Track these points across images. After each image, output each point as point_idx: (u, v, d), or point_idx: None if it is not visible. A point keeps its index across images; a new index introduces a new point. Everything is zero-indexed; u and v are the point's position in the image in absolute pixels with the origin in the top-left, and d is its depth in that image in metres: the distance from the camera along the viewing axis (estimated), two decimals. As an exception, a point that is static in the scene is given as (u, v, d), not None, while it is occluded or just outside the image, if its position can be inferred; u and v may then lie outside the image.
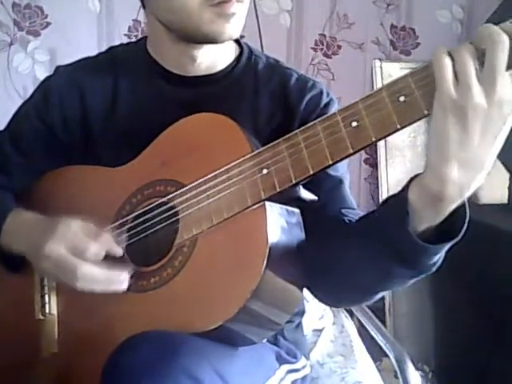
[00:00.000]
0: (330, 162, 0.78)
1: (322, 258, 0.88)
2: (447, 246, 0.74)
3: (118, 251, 0.89)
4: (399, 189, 0.77)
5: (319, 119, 0.79)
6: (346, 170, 1.01)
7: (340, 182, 0.98)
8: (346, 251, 0.85)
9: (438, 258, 0.76)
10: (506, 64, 0.65)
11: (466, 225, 0.73)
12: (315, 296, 0.95)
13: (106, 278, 0.86)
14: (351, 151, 0.76)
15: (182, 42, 0.96)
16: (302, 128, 0.81)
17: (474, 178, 0.69)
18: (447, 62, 0.66)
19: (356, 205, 1.00)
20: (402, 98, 0.72)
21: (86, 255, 0.85)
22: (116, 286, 0.86)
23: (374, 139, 0.75)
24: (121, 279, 0.86)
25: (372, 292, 0.87)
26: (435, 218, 0.73)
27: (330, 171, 0.95)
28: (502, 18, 0.68)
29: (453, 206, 0.72)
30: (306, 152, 0.79)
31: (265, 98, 1.01)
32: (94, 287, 0.86)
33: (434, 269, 0.77)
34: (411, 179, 0.75)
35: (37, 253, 0.88)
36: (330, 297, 0.95)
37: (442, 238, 0.73)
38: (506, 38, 0.64)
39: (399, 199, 0.75)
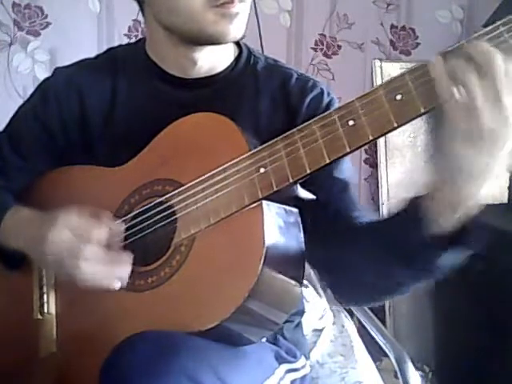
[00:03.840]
0: (327, 161, 0.78)
1: (337, 262, 0.91)
2: (466, 252, 0.76)
3: (119, 229, 0.90)
4: (414, 196, 0.79)
5: (316, 118, 0.80)
6: (352, 172, 1.01)
7: (347, 184, 0.99)
8: (358, 256, 0.87)
9: (455, 262, 0.77)
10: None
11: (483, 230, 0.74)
12: (335, 297, 0.98)
13: (107, 269, 0.85)
14: (348, 150, 0.77)
15: (183, 45, 0.96)
16: (299, 127, 0.81)
17: (488, 186, 0.71)
18: (455, 91, 0.67)
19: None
20: (398, 97, 0.72)
21: (90, 237, 0.85)
22: (117, 278, 0.85)
23: (370, 138, 0.75)
24: (124, 261, 0.86)
25: (384, 293, 0.90)
26: (451, 222, 0.74)
27: (337, 175, 0.96)
28: (501, 18, 0.69)
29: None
30: (303, 151, 0.79)
31: (265, 99, 1.01)
32: (94, 278, 0.85)
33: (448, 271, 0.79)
34: (426, 187, 0.76)
35: (38, 245, 0.88)
36: (347, 298, 0.98)
37: (461, 242, 0.75)
38: (499, 58, 0.66)
39: (416, 209, 0.76)
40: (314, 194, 0.92)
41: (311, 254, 0.96)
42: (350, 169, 1.00)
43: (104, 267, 0.85)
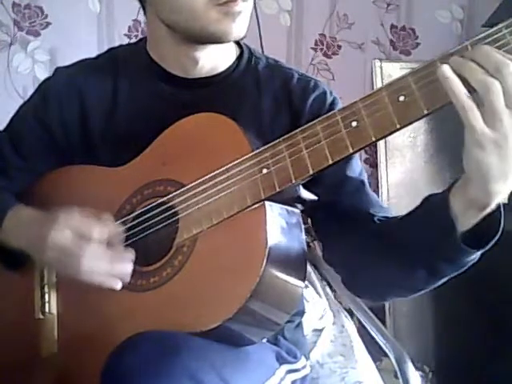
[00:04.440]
0: (330, 162, 0.78)
1: (353, 259, 0.92)
2: (489, 246, 0.76)
3: (120, 234, 0.90)
4: (435, 193, 0.79)
5: (319, 119, 0.80)
6: (362, 168, 1.02)
7: (362, 182, 0.99)
8: (375, 252, 0.87)
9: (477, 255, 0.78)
10: None
11: (502, 223, 0.75)
12: (354, 294, 1.01)
13: (109, 267, 0.86)
14: (351, 151, 0.77)
15: (185, 44, 0.96)
16: (302, 128, 0.81)
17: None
18: (471, 101, 0.67)
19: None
20: (401, 98, 0.72)
21: (91, 239, 0.85)
22: (118, 276, 0.86)
23: (373, 139, 0.75)
24: (124, 269, 0.86)
25: (397, 291, 0.92)
26: (474, 221, 0.75)
27: (350, 174, 0.97)
28: (501, 18, 0.69)
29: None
30: (306, 152, 0.80)
31: (267, 99, 1.01)
32: (97, 276, 0.85)
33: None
34: (449, 188, 0.76)
35: (40, 244, 0.88)
36: (361, 292, 1.00)
37: (481, 236, 0.75)
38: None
39: (444, 211, 0.76)
40: (328, 194, 0.93)
41: (325, 251, 0.98)
42: (360, 166, 1.01)
43: (105, 265, 0.86)
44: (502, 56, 0.66)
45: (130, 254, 0.88)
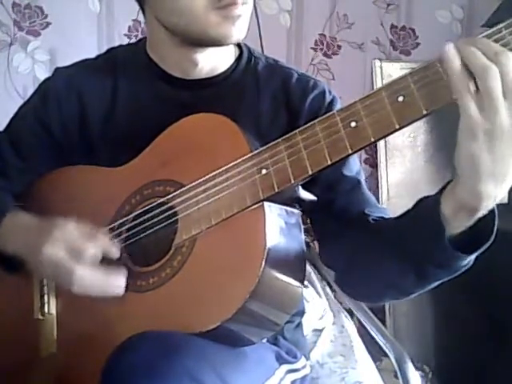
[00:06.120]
0: (329, 163, 0.78)
1: (348, 259, 0.92)
2: (481, 250, 0.75)
3: (115, 253, 0.90)
4: (428, 195, 0.79)
5: (318, 119, 0.80)
6: (360, 168, 1.01)
7: (358, 182, 0.99)
8: (370, 253, 0.87)
9: (470, 260, 0.78)
10: None
11: (495, 228, 0.74)
12: (348, 295, 1.01)
13: (102, 282, 0.86)
14: (350, 151, 0.77)
15: (185, 46, 0.96)
16: (301, 128, 0.81)
17: (508, 187, 0.70)
18: (470, 87, 0.67)
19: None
20: (400, 98, 0.72)
21: (83, 257, 0.86)
22: (113, 290, 0.87)
23: (372, 139, 0.75)
24: (117, 283, 0.87)
25: (389, 293, 0.91)
26: (467, 224, 0.74)
27: (346, 172, 0.97)
28: (501, 18, 0.69)
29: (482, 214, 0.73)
30: (305, 152, 0.79)
31: (266, 99, 1.01)
32: (91, 290, 0.86)
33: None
34: (441, 190, 0.76)
35: (34, 255, 0.88)
36: (354, 293, 0.99)
37: (474, 240, 0.75)
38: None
39: (434, 215, 0.75)
40: (324, 192, 0.93)
41: (321, 251, 0.98)
42: (357, 165, 1.01)
43: (97, 287, 0.86)
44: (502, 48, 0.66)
45: (122, 276, 0.88)
